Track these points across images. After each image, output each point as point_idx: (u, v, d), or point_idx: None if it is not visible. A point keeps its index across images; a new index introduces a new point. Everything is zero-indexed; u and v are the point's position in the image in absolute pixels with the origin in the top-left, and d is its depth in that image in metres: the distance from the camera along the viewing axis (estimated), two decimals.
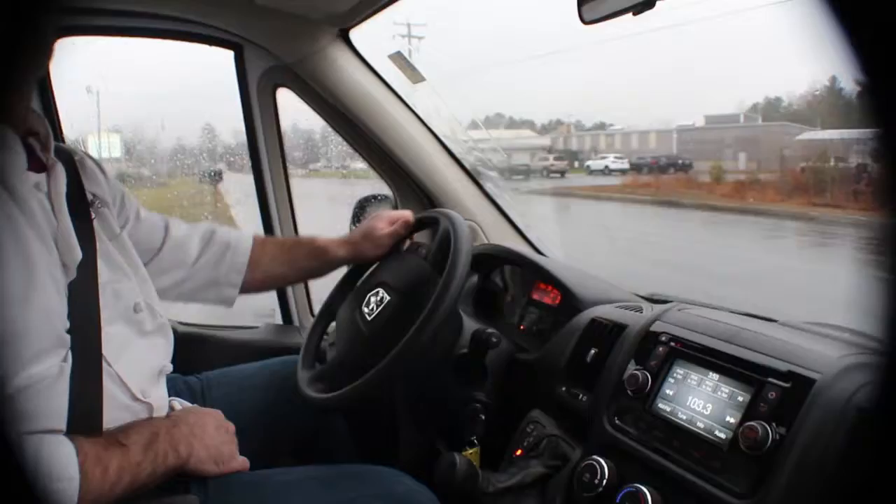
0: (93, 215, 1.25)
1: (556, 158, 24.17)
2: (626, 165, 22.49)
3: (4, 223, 1.03)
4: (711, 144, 22.04)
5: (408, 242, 1.70)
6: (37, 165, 1.16)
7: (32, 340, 1.03)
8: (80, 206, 1.22)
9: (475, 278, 1.87)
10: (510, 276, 1.92)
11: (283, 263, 1.68)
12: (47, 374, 1.04)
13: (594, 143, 28.22)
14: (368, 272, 1.70)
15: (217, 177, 5.18)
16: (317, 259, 1.69)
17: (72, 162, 1.28)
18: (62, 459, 1.00)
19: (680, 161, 21.34)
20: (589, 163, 24.29)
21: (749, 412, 1.06)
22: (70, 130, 2.23)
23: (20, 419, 0.99)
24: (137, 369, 1.22)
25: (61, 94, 2.09)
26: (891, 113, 0.49)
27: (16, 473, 0.92)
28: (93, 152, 2.19)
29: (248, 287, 1.65)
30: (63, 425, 1.05)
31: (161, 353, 1.33)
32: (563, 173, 22.81)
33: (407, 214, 1.66)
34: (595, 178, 21.89)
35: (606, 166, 22.58)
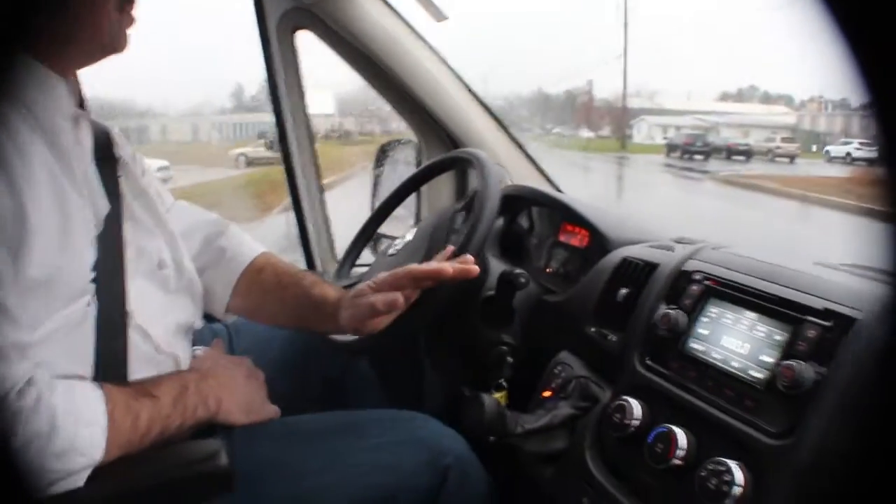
0: (119, 172, 1.24)
1: (783, 140, 21.36)
2: (872, 154, 19.64)
3: (44, 170, 1.02)
4: None
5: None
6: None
7: (64, 285, 1.03)
8: (108, 162, 1.21)
9: (501, 220, 1.84)
10: (537, 217, 1.89)
11: (272, 302, 1.46)
12: (72, 317, 1.05)
13: (846, 125, 22.29)
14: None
15: None
16: (306, 310, 1.42)
17: (102, 128, 1.27)
18: (90, 404, 1.00)
19: None
20: (829, 148, 19.77)
21: (787, 351, 1.02)
22: None
23: (47, 362, 0.99)
24: (162, 323, 1.22)
25: None
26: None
27: (45, 417, 0.94)
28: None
29: (232, 312, 1.49)
30: (89, 372, 1.07)
31: (187, 310, 1.32)
32: (792, 158, 20.06)
33: (402, 279, 1.25)
34: (833, 166, 18.08)
35: (848, 153, 17.08)
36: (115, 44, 1.14)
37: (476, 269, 1.23)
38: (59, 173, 1.04)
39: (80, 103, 1.19)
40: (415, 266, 1.24)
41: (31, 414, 0.92)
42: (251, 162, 17.66)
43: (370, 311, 1.24)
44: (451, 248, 1.31)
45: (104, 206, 1.14)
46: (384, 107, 2.21)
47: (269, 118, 2.22)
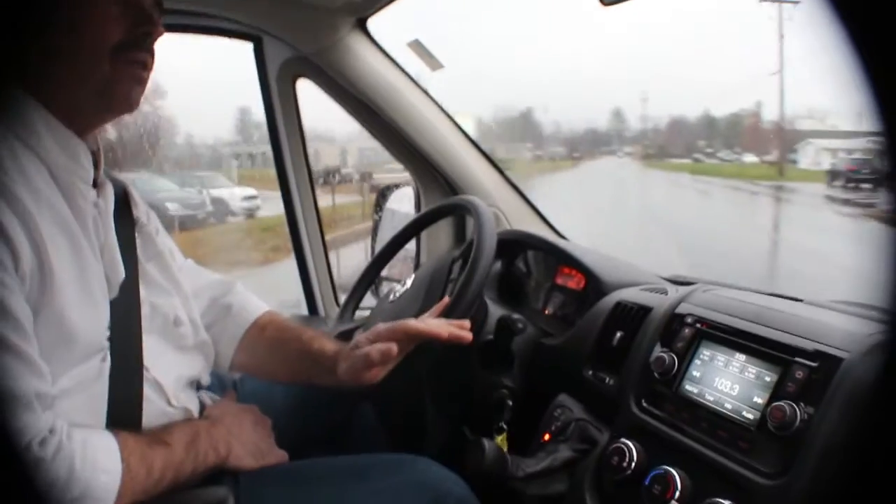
0: (136, 236, 1.27)
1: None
2: None
3: (64, 232, 1.05)
4: None
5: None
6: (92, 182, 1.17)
7: (82, 344, 1.06)
8: (126, 227, 1.24)
9: (499, 264, 1.88)
10: (533, 261, 1.92)
11: (275, 358, 1.48)
12: (88, 373, 1.08)
13: None
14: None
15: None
16: (307, 364, 1.43)
17: (120, 185, 1.29)
18: (107, 452, 1.03)
19: None
20: None
21: (777, 392, 1.05)
22: None
23: (64, 417, 1.01)
24: (174, 377, 1.25)
25: None
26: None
27: (64, 465, 0.97)
28: None
29: (237, 369, 1.51)
30: (102, 423, 1.09)
31: (198, 366, 1.35)
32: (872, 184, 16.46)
33: (399, 333, 1.29)
34: None
35: None
36: (111, 97, 1.12)
37: (469, 335, 1.27)
38: (78, 234, 1.07)
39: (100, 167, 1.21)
40: (411, 323, 1.29)
41: (52, 462, 0.95)
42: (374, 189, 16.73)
43: (366, 363, 1.27)
44: (446, 301, 1.35)
45: (121, 274, 1.17)
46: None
47: None
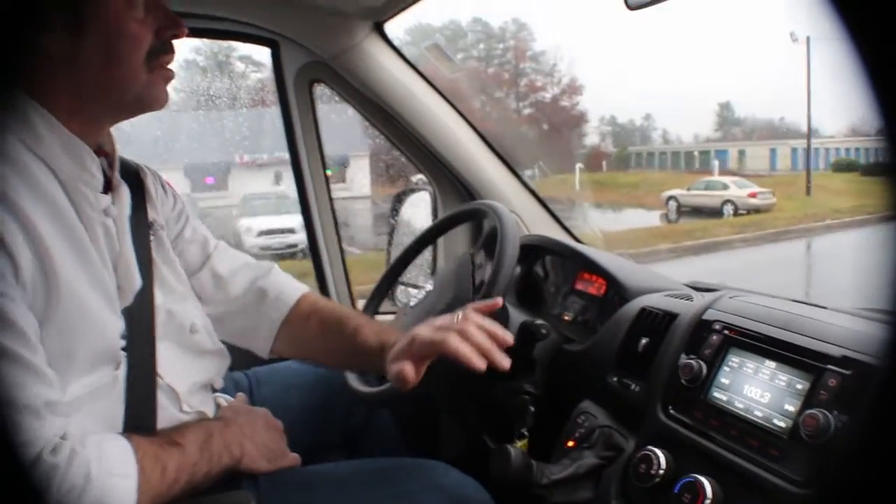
0: (151, 239, 1.26)
1: None
2: None
3: (71, 238, 1.05)
4: None
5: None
6: (104, 185, 1.16)
7: (91, 353, 1.06)
8: (141, 230, 1.23)
9: (518, 269, 1.87)
10: (552, 266, 1.91)
11: (317, 344, 1.48)
12: (101, 382, 1.08)
13: None
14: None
15: None
16: (351, 353, 1.43)
17: (136, 179, 1.29)
18: (121, 456, 1.03)
19: None
20: None
21: (809, 400, 1.04)
22: None
23: (78, 423, 1.01)
24: (188, 383, 1.25)
25: None
26: None
27: (80, 471, 0.96)
28: None
29: (275, 353, 1.51)
30: (118, 431, 1.09)
31: (213, 371, 1.35)
32: None
33: (431, 354, 1.21)
34: None
35: None
36: (147, 101, 1.15)
37: (505, 363, 1.21)
38: (86, 241, 1.07)
39: (114, 167, 1.20)
40: (449, 346, 1.16)
41: (67, 468, 0.94)
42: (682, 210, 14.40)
43: (396, 379, 1.21)
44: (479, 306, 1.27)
45: (137, 283, 1.17)
46: None
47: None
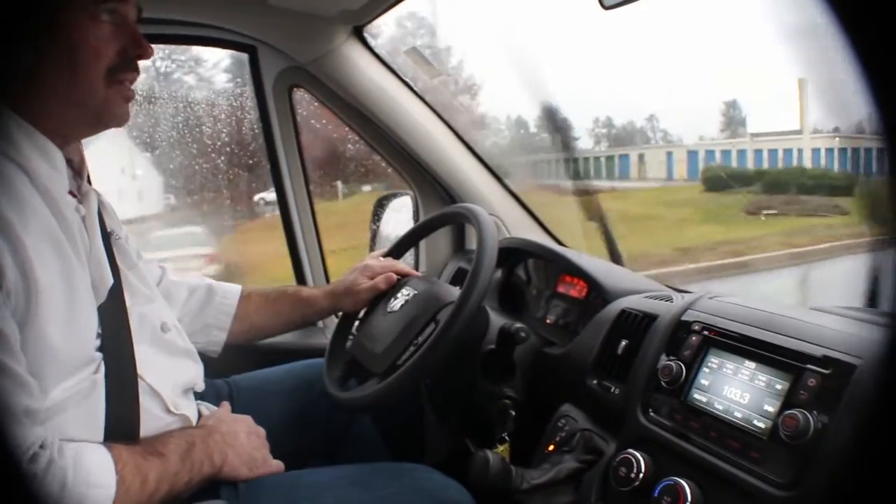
0: (112, 245, 1.28)
1: None
2: None
3: (48, 240, 1.05)
4: None
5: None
6: (70, 192, 1.17)
7: (71, 355, 1.06)
8: (104, 238, 1.25)
9: (499, 273, 1.86)
10: (534, 269, 1.90)
11: (268, 315, 1.69)
12: (81, 386, 1.08)
13: None
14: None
15: None
16: (301, 310, 1.71)
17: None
18: (99, 466, 1.02)
19: None
20: None
21: (788, 400, 1.03)
22: None
23: (59, 429, 1.02)
24: (170, 384, 1.25)
25: None
26: None
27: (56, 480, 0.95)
28: None
29: (235, 335, 1.66)
30: (100, 436, 1.09)
31: (190, 372, 1.36)
32: None
33: (391, 271, 1.66)
34: None
35: None
36: (106, 116, 1.17)
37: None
38: (63, 242, 1.07)
39: (83, 176, 1.23)
40: (400, 265, 1.68)
41: (43, 477, 0.94)
42: None
43: (373, 292, 1.63)
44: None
45: (109, 279, 1.17)
46: None
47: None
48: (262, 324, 1.69)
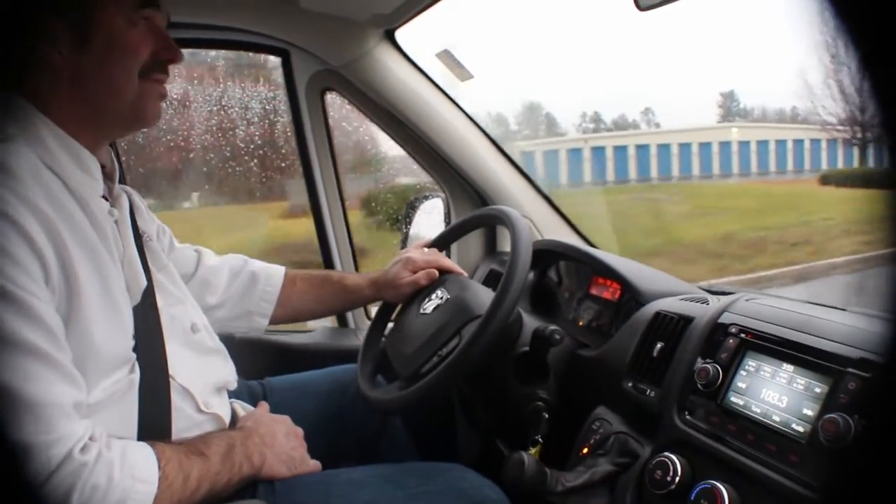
0: (145, 247, 1.31)
1: None
2: None
3: (85, 245, 1.07)
4: None
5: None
6: (103, 196, 1.20)
7: (111, 355, 1.09)
8: (136, 240, 1.28)
9: (531, 275, 1.85)
10: (566, 271, 1.90)
11: (312, 301, 1.73)
12: (118, 386, 1.10)
13: None
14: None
15: None
16: (344, 298, 1.74)
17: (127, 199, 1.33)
18: (144, 462, 1.05)
19: None
20: None
21: (828, 404, 1.02)
22: None
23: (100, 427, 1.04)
24: (200, 384, 1.27)
25: None
26: None
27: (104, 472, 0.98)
28: None
29: (277, 320, 1.71)
30: (133, 435, 1.12)
31: (222, 370, 1.38)
32: None
33: (433, 266, 1.66)
34: None
35: None
36: (141, 112, 1.20)
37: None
38: (98, 246, 1.10)
39: (114, 179, 1.26)
40: (443, 261, 1.68)
41: (93, 468, 0.97)
42: None
43: (413, 288, 1.63)
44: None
45: (143, 281, 1.20)
46: None
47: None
48: (303, 308, 1.73)
